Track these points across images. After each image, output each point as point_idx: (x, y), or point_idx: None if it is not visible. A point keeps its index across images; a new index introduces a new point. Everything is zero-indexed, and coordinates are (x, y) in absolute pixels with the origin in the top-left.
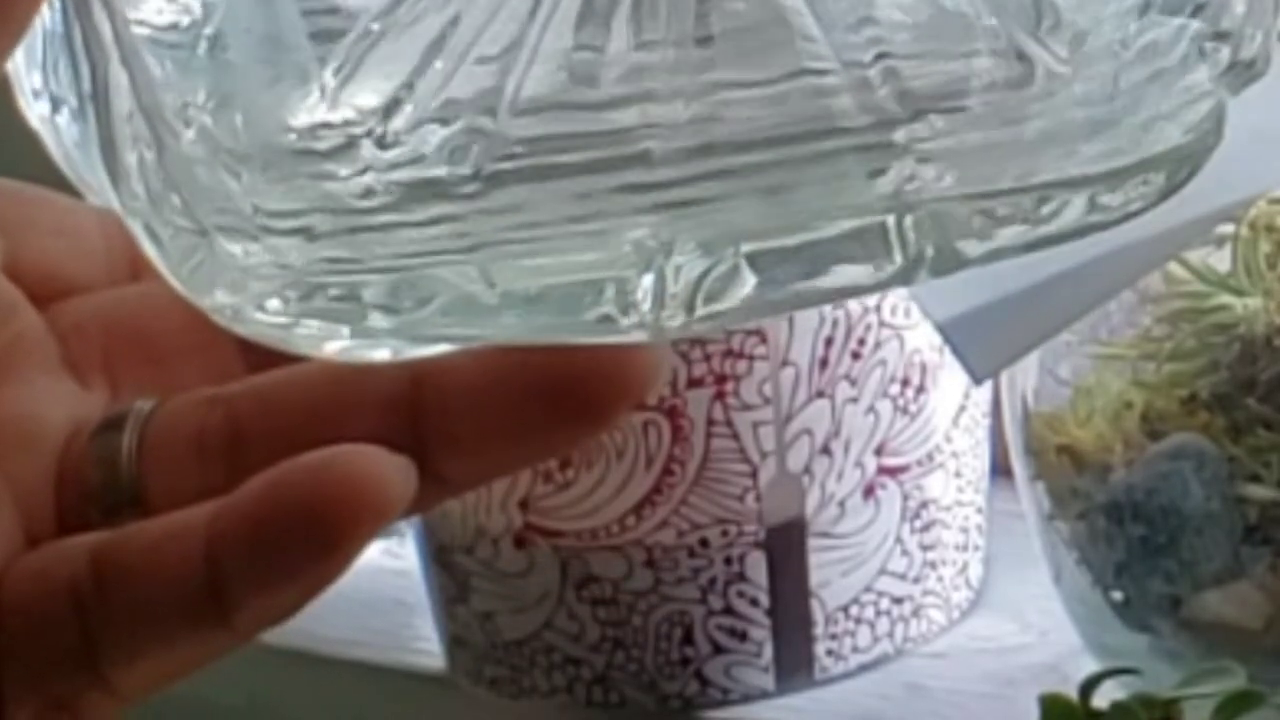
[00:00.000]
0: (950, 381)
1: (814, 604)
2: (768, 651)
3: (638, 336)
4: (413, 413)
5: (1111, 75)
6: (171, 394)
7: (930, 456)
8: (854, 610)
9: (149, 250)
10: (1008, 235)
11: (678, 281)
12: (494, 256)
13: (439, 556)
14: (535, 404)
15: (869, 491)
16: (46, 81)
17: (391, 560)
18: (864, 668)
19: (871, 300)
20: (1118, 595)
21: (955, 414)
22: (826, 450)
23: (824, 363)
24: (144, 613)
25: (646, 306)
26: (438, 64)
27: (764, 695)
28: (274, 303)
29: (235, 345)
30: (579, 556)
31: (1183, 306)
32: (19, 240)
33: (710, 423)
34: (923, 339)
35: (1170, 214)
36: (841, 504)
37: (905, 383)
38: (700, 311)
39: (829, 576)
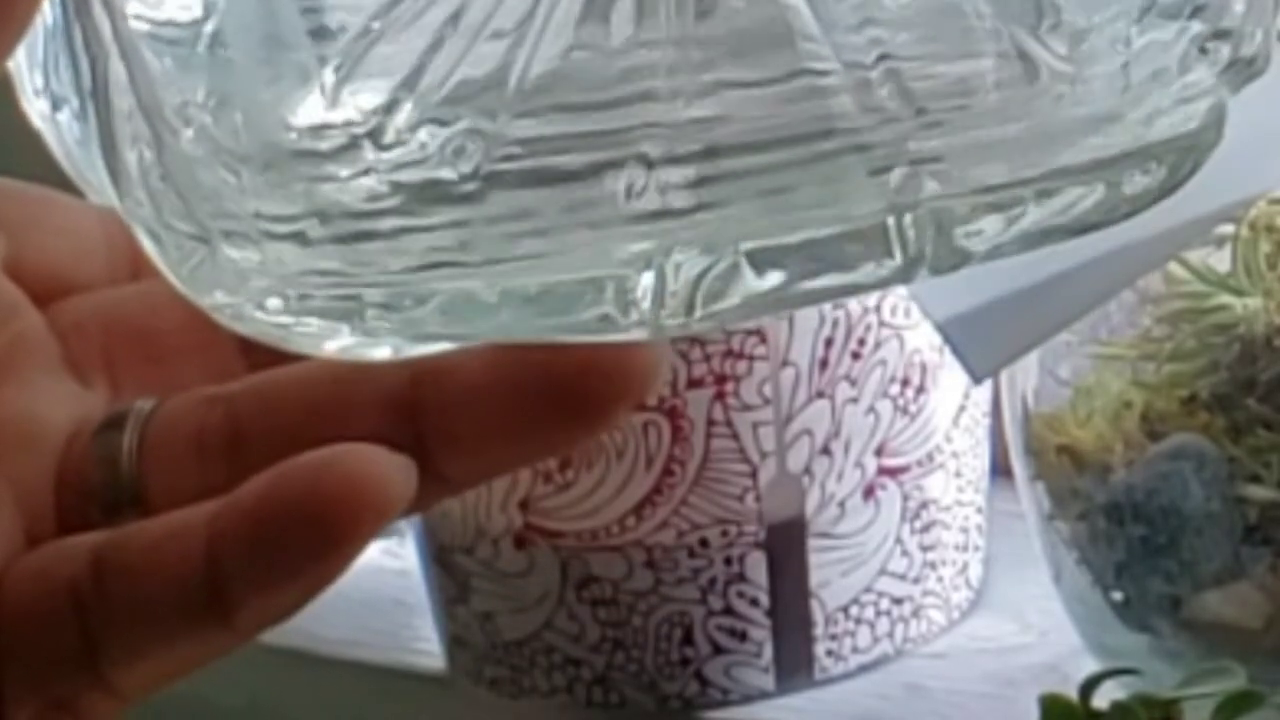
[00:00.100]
0: (950, 381)
1: (814, 604)
2: (768, 652)
3: (638, 335)
4: (413, 411)
5: (1112, 74)
6: (172, 393)
7: (930, 457)
8: (854, 610)
9: (149, 249)
10: (1008, 232)
11: (678, 280)
12: (497, 269)
13: (439, 556)
14: (535, 403)
15: (869, 492)
16: (48, 80)
17: (391, 560)
18: (864, 668)
19: (871, 300)
20: (1118, 595)
21: (955, 414)
22: (826, 450)
23: (824, 363)
24: (144, 612)
25: (646, 305)
26: (437, 63)
27: (764, 695)
28: (274, 301)
29: (236, 344)
30: (579, 557)
31: (1183, 307)
32: (20, 239)
33: (710, 423)
34: (923, 339)
35: (1170, 214)
36: (841, 504)
37: (905, 383)
38: (700, 310)
39: (829, 577)
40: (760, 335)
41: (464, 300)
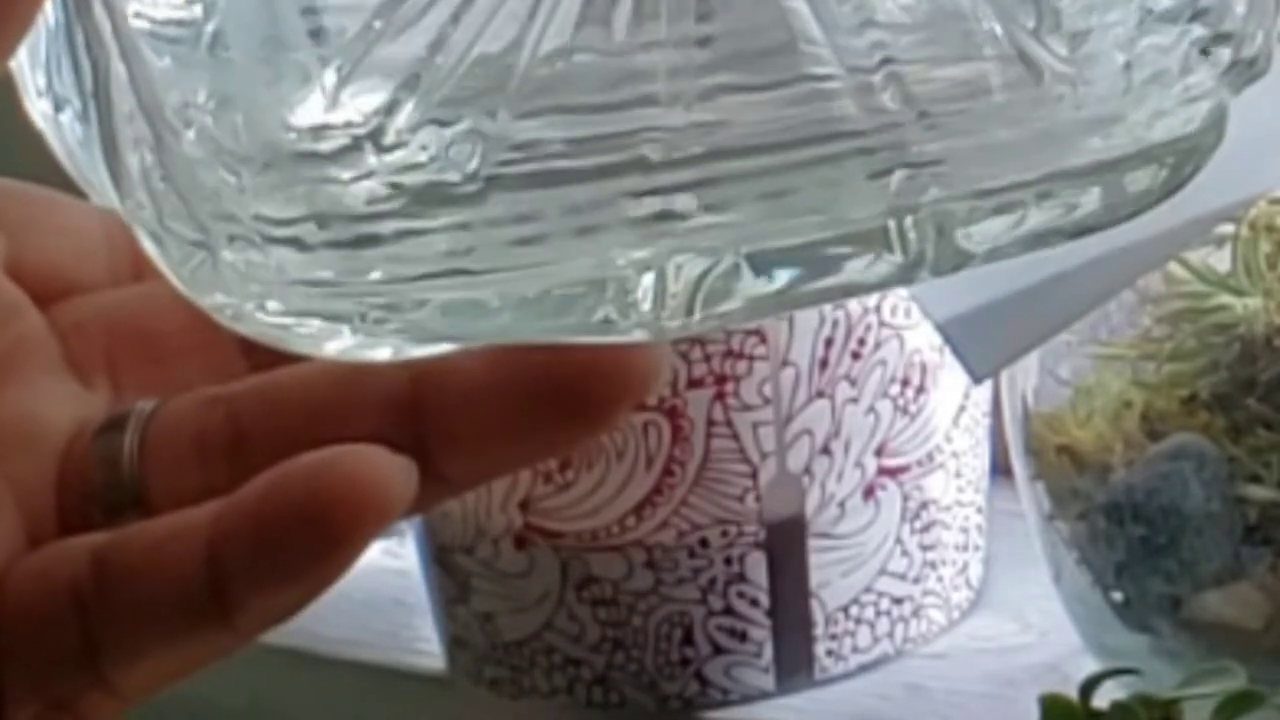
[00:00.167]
0: (950, 381)
1: (814, 604)
2: (768, 652)
3: (638, 336)
4: (414, 412)
5: (1113, 76)
6: (174, 394)
7: (930, 457)
8: (854, 610)
9: (150, 250)
10: (1009, 233)
11: (678, 281)
12: (498, 276)
13: (439, 557)
14: (536, 403)
15: (869, 492)
16: (50, 81)
17: (392, 560)
18: (864, 668)
19: (871, 300)
20: (1118, 595)
21: (955, 414)
22: (826, 450)
23: (824, 363)
24: (145, 613)
25: (647, 306)
26: (438, 64)
27: (764, 695)
28: (275, 303)
29: (237, 345)
30: (579, 557)
31: (1183, 306)
32: (22, 240)
33: (710, 423)
34: (923, 339)
35: (1170, 214)
36: (841, 504)
37: (905, 383)
38: (701, 312)
39: (829, 577)
40: (760, 335)
41: (465, 301)
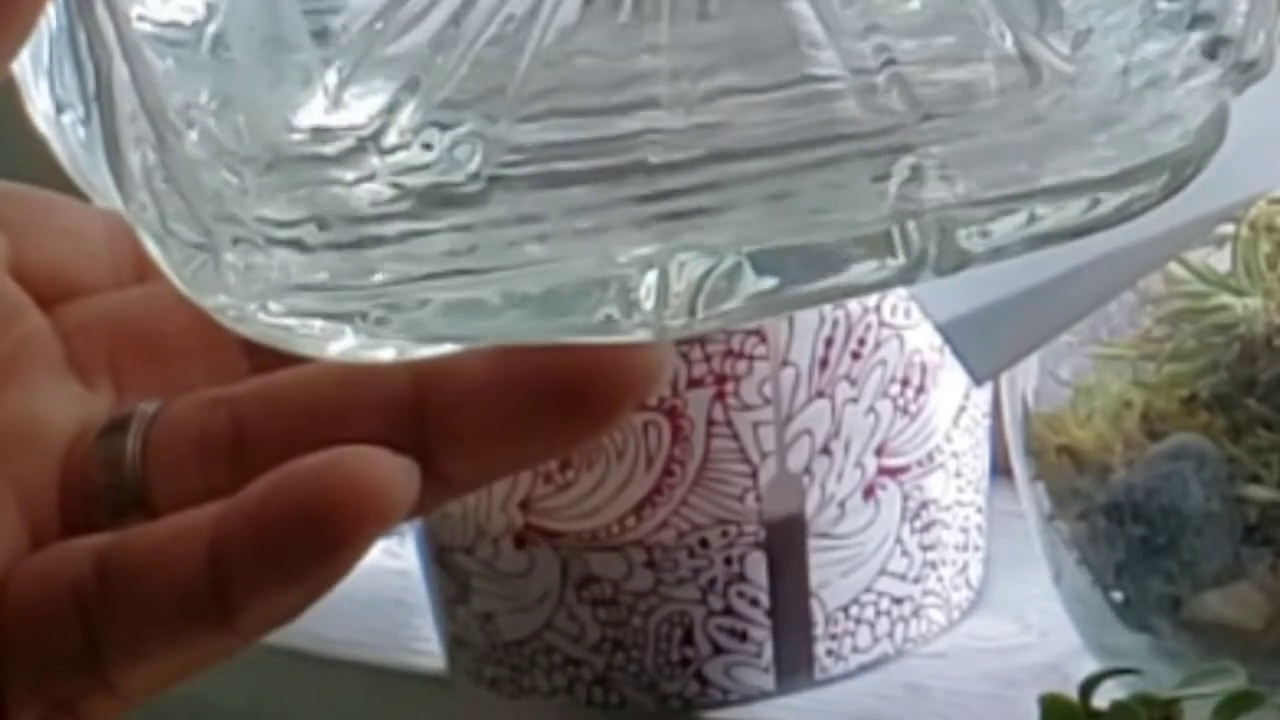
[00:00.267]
0: (950, 382)
1: (814, 604)
2: (768, 652)
3: (641, 336)
4: (416, 413)
5: (1114, 76)
6: (176, 395)
7: (930, 457)
8: (854, 610)
9: (153, 252)
10: (1010, 234)
11: (680, 281)
12: (501, 275)
13: (439, 557)
14: (538, 404)
15: (869, 492)
16: (52, 84)
17: (392, 560)
18: (864, 668)
19: (871, 300)
20: (1118, 595)
21: (955, 414)
22: (826, 450)
23: (824, 363)
24: (148, 614)
25: (649, 306)
26: (439, 66)
27: (764, 695)
28: (277, 304)
29: (240, 346)
30: (579, 557)
31: (1183, 307)
32: (25, 242)
33: (710, 423)
34: (923, 339)
35: (1171, 214)
36: (841, 504)
37: (905, 383)
38: (703, 311)
39: (829, 577)
40: (760, 335)
41: (467, 302)
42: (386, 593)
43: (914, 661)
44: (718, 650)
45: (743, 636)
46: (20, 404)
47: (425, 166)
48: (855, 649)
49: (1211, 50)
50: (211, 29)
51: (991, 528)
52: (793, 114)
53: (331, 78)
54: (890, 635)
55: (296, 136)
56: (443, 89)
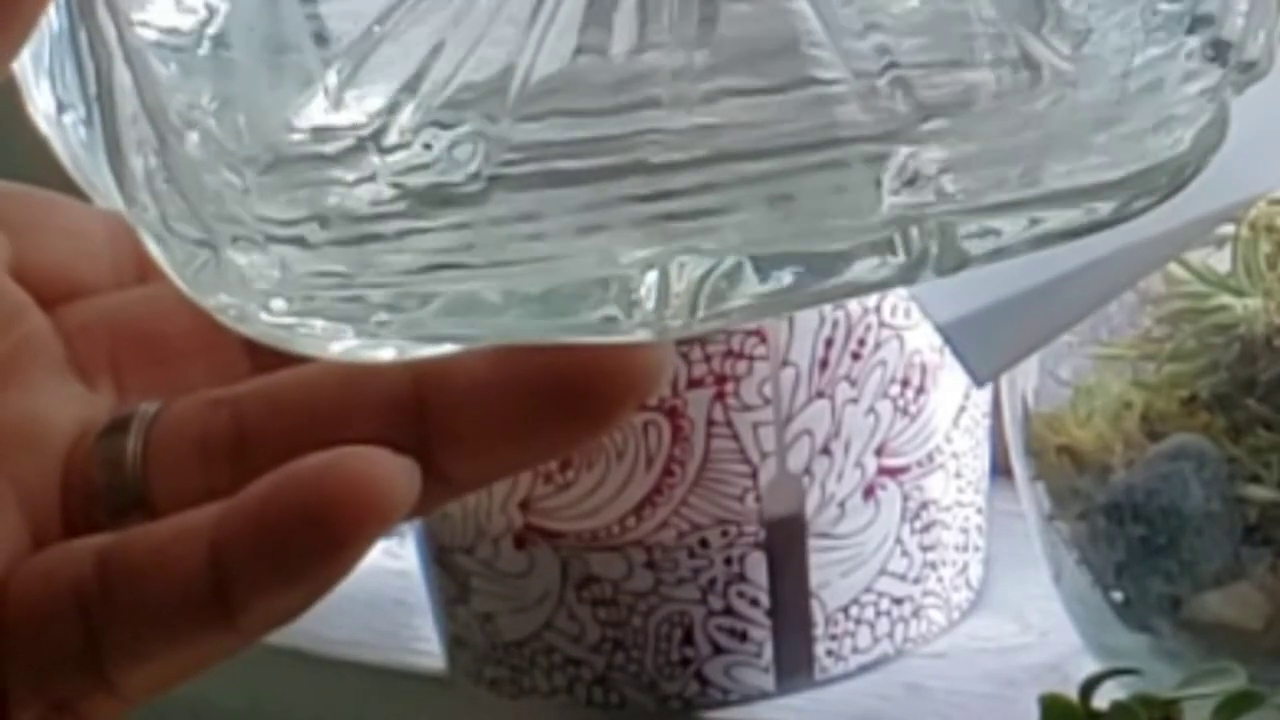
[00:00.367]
0: (950, 382)
1: (814, 604)
2: (768, 652)
3: (641, 336)
4: (417, 413)
5: (1115, 76)
6: (177, 395)
7: (930, 457)
8: (854, 611)
9: (154, 252)
10: (1011, 234)
11: (681, 280)
12: (501, 271)
13: (439, 557)
14: (539, 404)
15: (869, 492)
16: (54, 84)
17: (392, 560)
18: (864, 668)
19: (871, 301)
20: (1118, 595)
21: (955, 415)
22: (827, 451)
23: (824, 363)
24: (149, 614)
25: (650, 306)
26: (439, 66)
27: (764, 696)
28: (278, 303)
29: (241, 347)
30: (579, 557)
31: (1183, 307)
32: (26, 242)
33: (710, 423)
34: (923, 339)
35: (1171, 215)
36: (842, 504)
37: (905, 383)
38: (704, 311)
39: (829, 577)
40: (760, 335)
41: (468, 301)
42: (386, 593)
43: (914, 661)
44: (718, 650)
45: (743, 636)
46: (21, 404)
47: (426, 166)
48: (855, 649)
49: (1211, 51)
50: (212, 30)
51: (991, 528)
52: (794, 115)
53: (332, 78)
54: (890, 635)
55: (297, 136)
56: (444, 90)
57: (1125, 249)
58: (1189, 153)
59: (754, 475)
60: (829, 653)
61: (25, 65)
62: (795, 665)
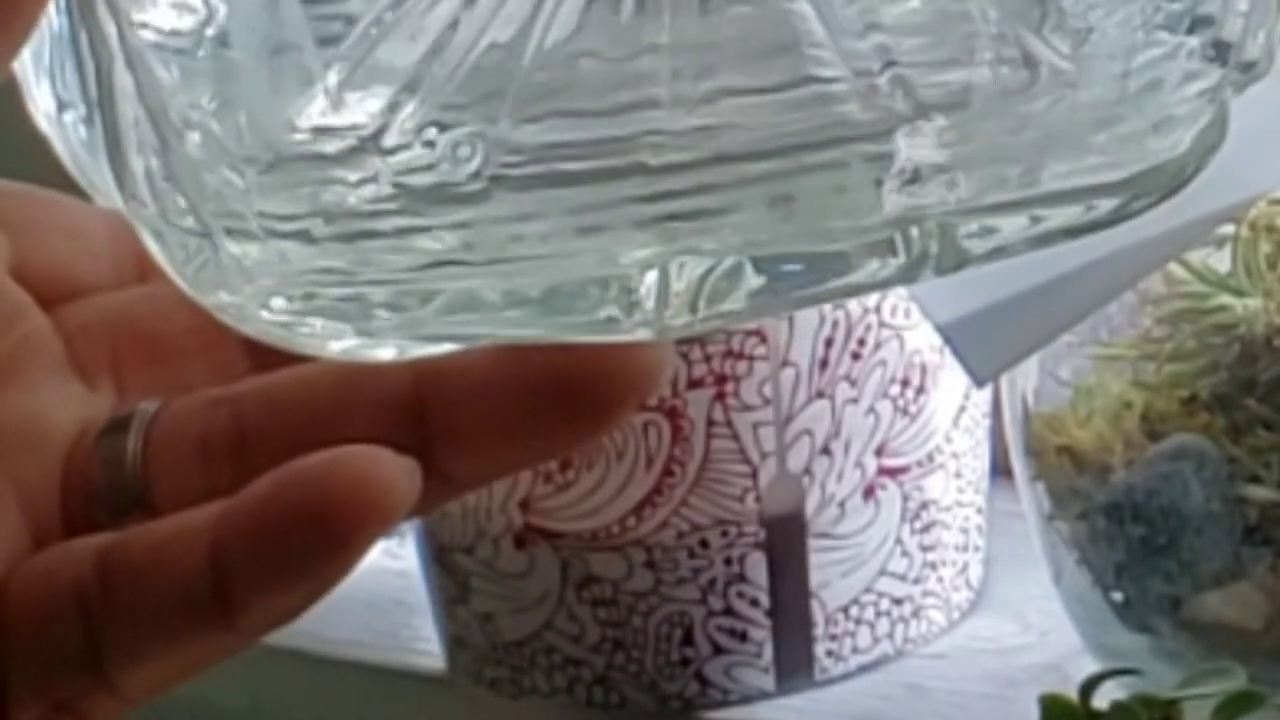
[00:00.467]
0: (950, 382)
1: (814, 604)
2: (768, 652)
3: (642, 335)
4: (417, 412)
5: (1115, 77)
6: (178, 395)
7: (930, 457)
8: (854, 611)
9: (154, 251)
10: (1011, 234)
11: (681, 280)
12: (501, 269)
13: (439, 557)
14: (539, 403)
15: (869, 492)
16: (54, 84)
17: (392, 560)
18: (864, 668)
19: (871, 301)
20: (1118, 596)
21: (955, 415)
22: (827, 451)
23: (824, 363)
24: (149, 614)
25: (650, 305)
26: (439, 67)
27: (764, 696)
28: (278, 302)
29: (242, 346)
30: (579, 557)
31: (1183, 307)
32: (26, 242)
33: (710, 423)
34: (923, 339)
35: (1171, 215)
36: (842, 505)
37: (905, 383)
38: (704, 310)
39: (829, 577)
40: (760, 335)
41: (468, 300)
42: (386, 593)
43: (914, 662)
44: (718, 650)
45: (743, 637)
46: (22, 404)
47: (426, 166)
48: (855, 649)
49: (1212, 51)
50: (212, 30)
51: (991, 528)
52: (794, 115)
53: (332, 78)
54: (890, 636)
55: (298, 136)
56: (443, 90)
57: (1125, 249)
58: (1189, 153)
59: (754, 475)
60: (829, 653)
61: (25, 65)
62: (795, 665)
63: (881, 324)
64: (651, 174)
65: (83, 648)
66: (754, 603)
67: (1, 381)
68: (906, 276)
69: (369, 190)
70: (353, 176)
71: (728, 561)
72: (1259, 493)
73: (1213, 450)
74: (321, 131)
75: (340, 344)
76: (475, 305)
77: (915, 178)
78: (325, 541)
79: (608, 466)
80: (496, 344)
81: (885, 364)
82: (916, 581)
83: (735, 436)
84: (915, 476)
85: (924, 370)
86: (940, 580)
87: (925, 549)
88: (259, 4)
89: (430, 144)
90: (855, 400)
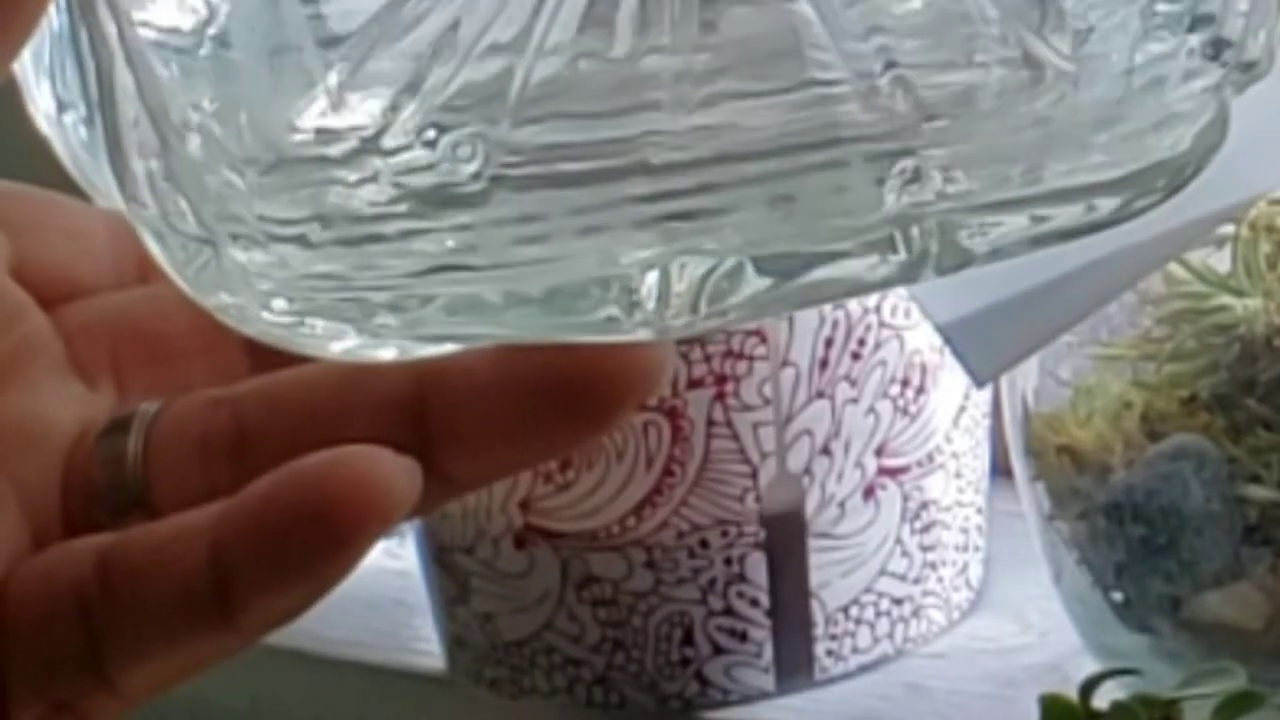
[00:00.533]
0: (950, 382)
1: (814, 604)
2: (768, 652)
3: (643, 335)
4: (418, 413)
5: (1115, 77)
6: (178, 395)
7: (930, 457)
8: (854, 611)
9: (154, 252)
10: (1013, 233)
11: (682, 280)
12: (502, 273)
13: (439, 557)
14: (540, 403)
15: (869, 492)
16: (54, 84)
17: (392, 560)
18: (864, 668)
19: (871, 301)
20: (1118, 596)
21: (955, 415)
22: (827, 451)
23: (824, 363)
24: (149, 614)
25: (651, 306)
26: (439, 69)
27: (764, 696)
28: (279, 303)
29: (242, 347)
30: (579, 557)
31: (1183, 307)
32: (27, 242)
33: (710, 423)
34: (923, 339)
35: (1171, 215)
36: (842, 504)
37: (905, 383)
38: (705, 310)
39: (829, 577)
40: (760, 335)
41: (469, 301)
42: (386, 593)
43: (914, 662)
44: (718, 650)
45: (743, 637)
46: (22, 404)
47: (427, 167)
48: (855, 649)
49: (1212, 51)
50: (213, 30)
51: (991, 528)
52: (795, 116)
53: (333, 79)
54: (890, 635)
55: (299, 137)
56: (444, 91)
57: (1125, 249)
58: (1190, 152)
59: (754, 475)
60: (829, 653)
61: (26, 65)
62: (795, 665)
63: (881, 324)
64: (652, 174)
65: (83, 648)
66: (754, 603)
67: (1, 381)
68: (907, 276)
69: (369, 191)
70: (353, 177)
71: (728, 561)
72: (1259, 493)
73: (1213, 450)
74: (323, 133)
75: (341, 344)
76: (476, 306)
77: (915, 177)
78: (325, 541)
79: (608, 466)
80: (497, 344)
81: (885, 364)
82: (916, 581)
83: (735, 436)
84: (915, 476)
85: (924, 370)
86: (940, 580)
87: (925, 549)
88: (260, 4)
89: (430, 145)
90: (855, 400)
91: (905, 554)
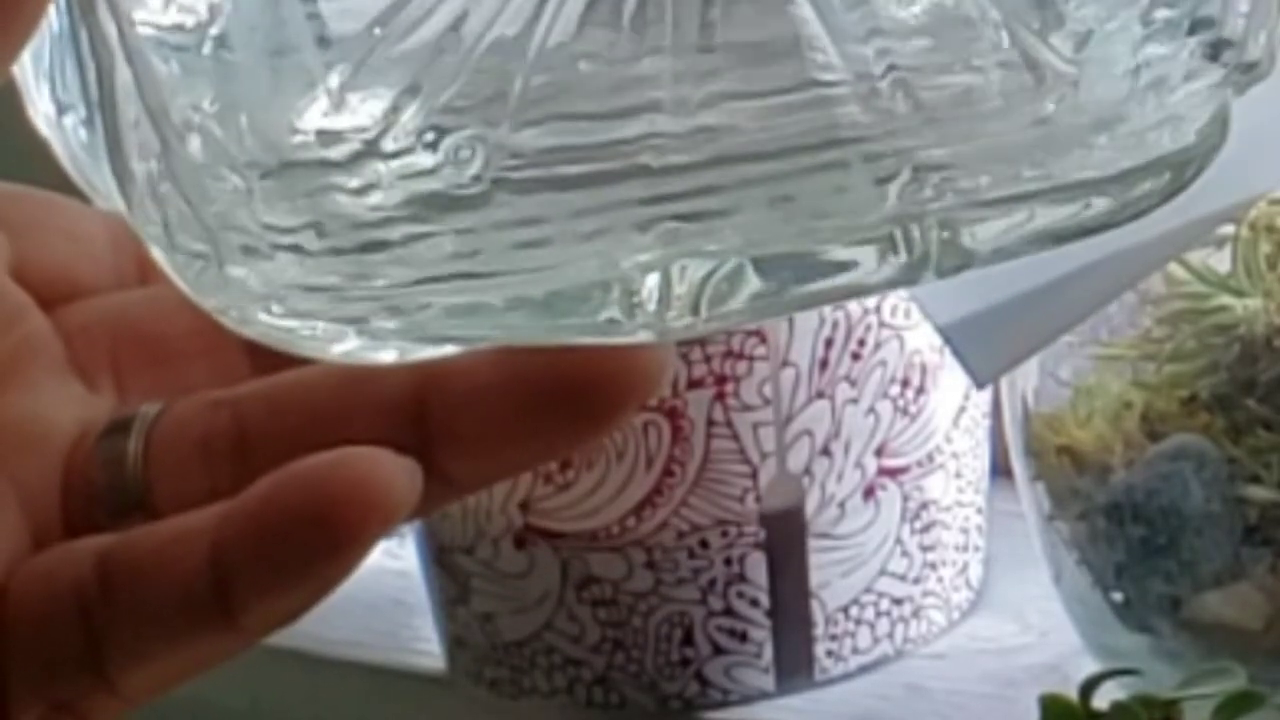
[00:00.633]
0: (950, 382)
1: (814, 605)
2: (768, 652)
3: (643, 337)
4: (418, 414)
5: (1116, 77)
6: (178, 397)
7: (930, 457)
8: (854, 611)
9: (155, 253)
10: (1013, 235)
11: (683, 282)
12: (503, 279)
13: (439, 557)
14: (540, 405)
15: (869, 492)
16: (54, 86)
17: (392, 561)
18: (864, 668)
19: (871, 301)
20: (1118, 596)
21: (955, 415)
22: (827, 451)
23: (824, 363)
24: (150, 615)
25: (652, 307)
26: (439, 70)
27: (764, 696)
28: (279, 305)
29: (242, 348)
30: (579, 557)
31: (1183, 307)
32: (27, 243)
33: (710, 423)
34: (923, 340)
35: (1171, 215)
36: (842, 505)
37: (905, 383)
38: (706, 312)
39: (829, 577)
40: (760, 336)
41: (470, 304)
42: (386, 593)
43: (914, 662)
44: (718, 650)
45: (743, 637)
46: (22, 405)
47: (428, 170)
48: (855, 649)
49: (1213, 52)
50: (214, 31)
51: (991, 528)
52: (795, 118)
53: (334, 79)
54: (890, 636)
55: (300, 139)
56: (444, 94)
57: (1125, 249)
58: (1191, 152)
59: (754, 475)
60: (829, 653)
61: (25, 67)
62: (795, 665)
63: (881, 324)
64: (652, 176)
65: (83, 648)
66: (754, 603)
67: (1, 382)
68: (908, 278)
69: (371, 196)
70: (355, 182)
71: (728, 561)
72: (1259, 493)
73: (1213, 450)
74: (324, 134)
75: (342, 346)
76: (477, 308)
77: (915, 179)
78: (326, 543)
79: (608, 467)
80: (498, 346)
81: (885, 364)
82: (916, 581)
83: (735, 436)
84: (915, 476)
85: (924, 370)
86: (940, 580)
87: (925, 549)
88: (260, 4)
89: (431, 147)
90: (855, 400)
91: (905, 554)
